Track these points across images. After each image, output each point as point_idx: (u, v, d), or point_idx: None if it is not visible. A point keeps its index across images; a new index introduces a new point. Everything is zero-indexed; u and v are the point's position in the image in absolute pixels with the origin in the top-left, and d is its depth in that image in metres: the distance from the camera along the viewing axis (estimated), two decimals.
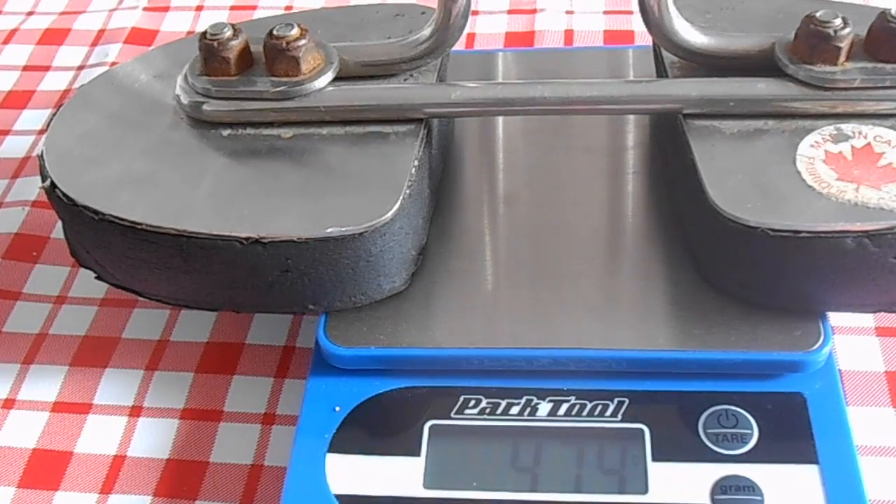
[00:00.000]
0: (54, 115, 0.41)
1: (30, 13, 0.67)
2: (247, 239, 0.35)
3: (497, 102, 0.39)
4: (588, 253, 0.40)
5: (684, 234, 0.40)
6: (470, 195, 0.43)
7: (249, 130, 0.39)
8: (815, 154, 0.36)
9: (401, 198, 0.36)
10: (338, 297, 0.37)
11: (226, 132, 0.40)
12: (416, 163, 0.37)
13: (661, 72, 0.42)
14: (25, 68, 0.62)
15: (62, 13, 0.66)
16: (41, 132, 0.57)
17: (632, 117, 0.46)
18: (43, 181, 0.38)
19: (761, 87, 0.38)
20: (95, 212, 0.37)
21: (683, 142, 0.37)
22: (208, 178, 0.37)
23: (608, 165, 0.44)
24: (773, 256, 0.34)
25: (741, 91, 0.38)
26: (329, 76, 0.39)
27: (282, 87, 0.39)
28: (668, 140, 0.42)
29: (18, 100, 0.60)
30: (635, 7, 0.39)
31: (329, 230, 0.35)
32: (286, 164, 0.38)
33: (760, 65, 0.39)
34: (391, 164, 0.37)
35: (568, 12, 0.62)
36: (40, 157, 0.39)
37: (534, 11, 0.62)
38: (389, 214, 0.35)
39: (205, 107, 0.39)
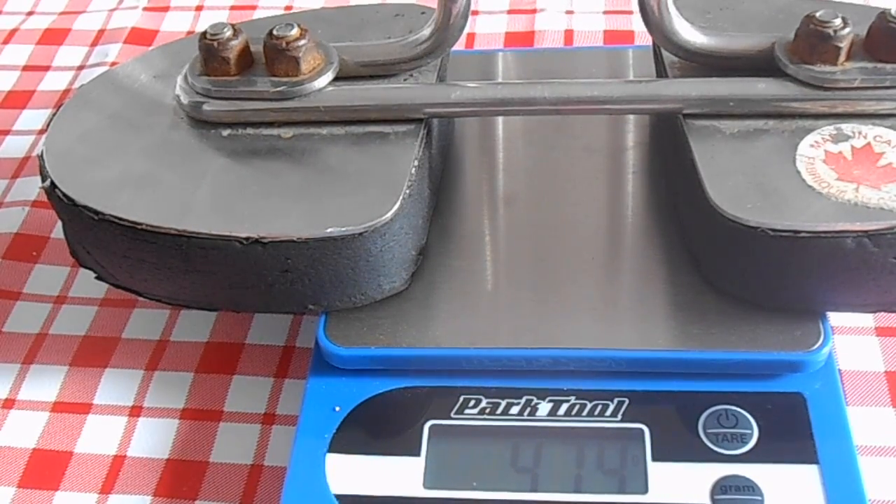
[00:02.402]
0: (54, 115, 0.41)
1: (30, 13, 0.67)
2: (247, 239, 0.35)
3: (497, 102, 0.39)
4: (588, 253, 0.40)
5: (684, 235, 0.40)
6: (470, 195, 0.43)
7: (249, 130, 0.39)
8: (815, 154, 0.36)
9: (401, 198, 0.36)
10: (338, 297, 0.37)
11: (226, 132, 0.40)
12: (416, 163, 0.37)
13: (661, 72, 0.42)
14: (25, 68, 0.62)
15: (62, 13, 0.66)
16: (41, 132, 0.57)
17: (632, 117, 0.46)
18: (43, 181, 0.38)
19: (761, 87, 0.37)
20: (95, 212, 0.36)
21: (683, 142, 0.37)
22: (208, 178, 0.37)
23: (608, 165, 0.44)
24: (773, 256, 0.34)
25: (741, 91, 0.38)
26: (329, 76, 0.39)
27: (282, 87, 0.39)
28: (668, 140, 0.42)
29: (18, 100, 0.60)
30: (635, 7, 0.39)
31: (329, 230, 0.35)
32: (286, 164, 0.38)
33: (760, 65, 0.39)
34: (391, 164, 0.37)
35: (568, 12, 0.62)
36: (40, 157, 0.39)
37: (534, 11, 0.62)
38: (389, 214, 0.35)
39: (205, 107, 0.39)
